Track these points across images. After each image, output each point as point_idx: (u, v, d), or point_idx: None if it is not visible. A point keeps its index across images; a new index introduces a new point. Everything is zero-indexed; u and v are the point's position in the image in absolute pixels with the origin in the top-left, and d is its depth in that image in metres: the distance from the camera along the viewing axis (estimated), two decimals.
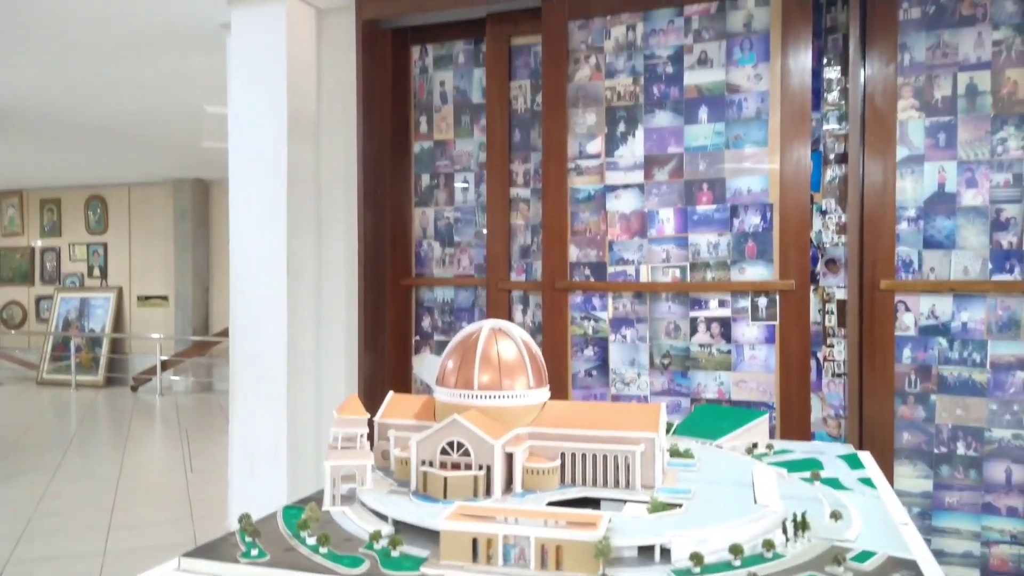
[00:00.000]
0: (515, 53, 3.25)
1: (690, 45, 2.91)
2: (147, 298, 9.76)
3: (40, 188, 10.32)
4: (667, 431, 1.48)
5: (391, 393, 1.25)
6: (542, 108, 3.08)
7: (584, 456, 1.09)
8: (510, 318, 3.23)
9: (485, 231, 3.28)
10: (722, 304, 2.88)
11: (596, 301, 3.05)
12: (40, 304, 10.39)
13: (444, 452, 1.05)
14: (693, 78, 2.90)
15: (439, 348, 3.43)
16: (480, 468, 1.03)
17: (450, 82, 3.43)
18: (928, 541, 2.60)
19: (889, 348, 2.67)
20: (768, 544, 0.89)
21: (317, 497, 1.07)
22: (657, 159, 2.95)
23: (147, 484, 5.15)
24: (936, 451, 2.62)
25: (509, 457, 1.06)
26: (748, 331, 2.84)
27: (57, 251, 10.34)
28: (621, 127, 3.00)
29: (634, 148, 2.98)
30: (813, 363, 2.80)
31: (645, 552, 0.88)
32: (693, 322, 2.91)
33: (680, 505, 0.99)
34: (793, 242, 2.76)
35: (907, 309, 2.67)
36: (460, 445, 1.04)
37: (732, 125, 2.85)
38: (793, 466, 1.25)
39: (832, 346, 2.81)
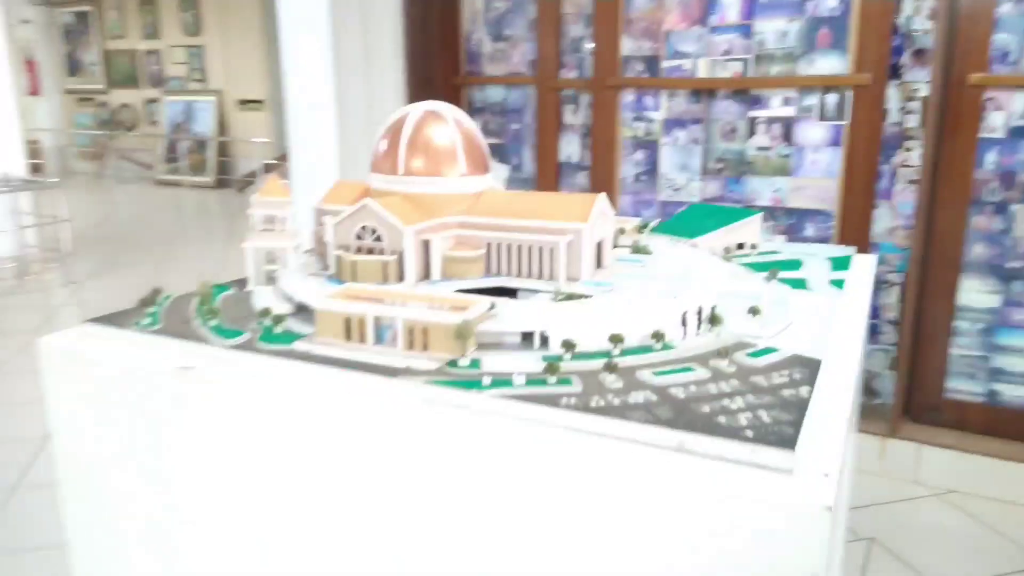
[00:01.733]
0: None
1: None
2: (245, 102, 9.96)
3: None
4: (644, 228, 1.39)
5: (336, 180, 1.21)
6: None
7: (510, 247, 1.03)
8: (560, 119, 3.08)
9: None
10: (786, 102, 2.61)
11: (649, 100, 2.84)
12: (149, 107, 10.83)
13: (358, 237, 1.01)
14: None
15: (492, 151, 3.33)
16: (392, 254, 1.00)
17: None
18: (986, 358, 2.45)
19: (969, 151, 2.37)
20: (657, 335, 0.82)
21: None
22: None
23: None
24: (1009, 266, 2.39)
25: (427, 245, 1.01)
26: (813, 132, 2.59)
27: (158, 53, 10.58)
28: None
29: None
30: (886, 168, 2.55)
31: (528, 339, 0.84)
32: (752, 123, 2.67)
33: (588, 296, 0.93)
34: (873, 28, 2.41)
35: (997, 108, 2.34)
36: (373, 230, 1.00)
37: None
38: (764, 267, 1.14)
39: (910, 150, 2.53)
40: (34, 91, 11.54)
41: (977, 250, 2.44)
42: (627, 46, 2.82)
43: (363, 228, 1.01)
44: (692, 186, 2.81)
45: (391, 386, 0.75)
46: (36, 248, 5.36)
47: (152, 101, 10.77)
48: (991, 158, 2.37)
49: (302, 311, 0.92)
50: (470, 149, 1.08)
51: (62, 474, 0.98)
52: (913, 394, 2.55)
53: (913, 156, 2.50)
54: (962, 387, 2.51)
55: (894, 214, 2.55)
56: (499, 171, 3.35)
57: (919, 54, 2.44)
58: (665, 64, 2.78)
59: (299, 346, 0.83)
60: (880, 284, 2.59)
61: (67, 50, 11.38)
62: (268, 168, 8.97)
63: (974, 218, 2.42)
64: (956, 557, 2.10)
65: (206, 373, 0.81)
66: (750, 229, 1.33)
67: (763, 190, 2.69)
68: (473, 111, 3.35)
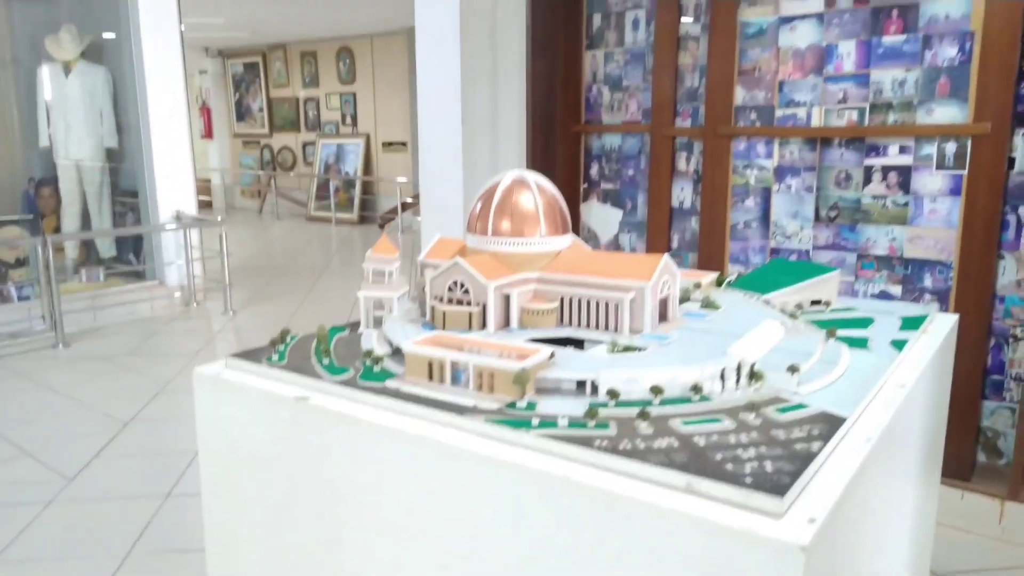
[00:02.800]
0: None
1: None
2: (389, 144, 10.65)
3: (299, 41, 11.40)
4: (720, 283, 1.47)
5: (438, 236, 1.39)
6: None
7: (580, 301, 1.15)
8: (673, 166, 3.17)
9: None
10: (903, 151, 2.58)
11: (761, 148, 2.88)
12: (305, 149, 11.79)
13: (450, 289, 1.18)
14: None
15: (606, 196, 3.47)
16: (477, 305, 1.15)
17: None
18: None
19: None
20: (696, 388, 0.92)
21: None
22: None
23: None
24: None
25: (507, 298, 1.16)
26: (931, 181, 2.54)
27: (316, 100, 11.52)
28: None
29: None
30: (1012, 219, 2.46)
31: (582, 386, 0.96)
32: (867, 171, 2.65)
33: (643, 349, 1.04)
34: (995, 77, 2.35)
35: None
36: (462, 284, 1.16)
37: None
38: (830, 324, 1.20)
39: None
40: (207, 135, 12.86)
41: None
42: (740, 95, 2.89)
43: (454, 282, 1.17)
44: (804, 233, 2.81)
45: (458, 422, 0.89)
46: (201, 278, 6.00)
47: (308, 144, 11.72)
48: None
49: (398, 353, 1.09)
50: (550, 213, 1.23)
51: (205, 486, 1.19)
52: None
53: None
54: None
55: (1020, 266, 2.45)
56: (613, 214, 3.47)
57: None
58: (778, 113, 2.81)
59: (391, 384, 1.00)
60: (1006, 339, 2.49)
61: (237, 98, 12.62)
62: (405, 206, 9.52)
63: None
64: None
65: (317, 403, 0.99)
66: (826, 286, 1.38)
67: (879, 239, 2.66)
68: (591, 157, 3.50)
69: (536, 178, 1.24)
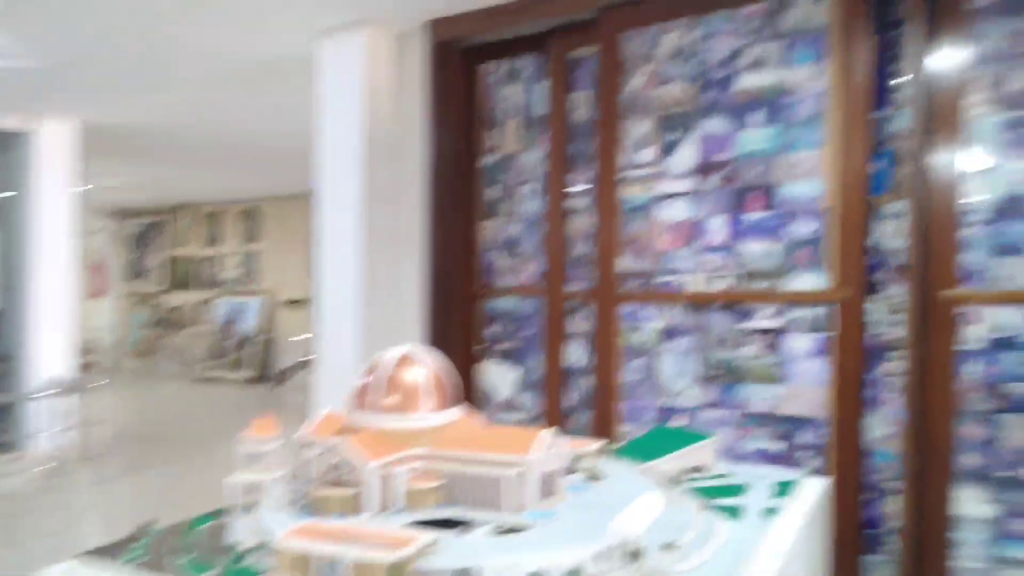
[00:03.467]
0: (576, 65, 3.29)
1: (744, 47, 2.82)
2: (290, 302, 10.57)
3: (205, 202, 11.45)
4: (605, 450, 1.49)
5: (325, 411, 1.37)
6: (597, 118, 3.10)
7: (465, 478, 1.14)
8: (567, 327, 3.27)
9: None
10: (774, 315, 2.77)
11: (648, 311, 3.03)
12: (202, 307, 11.53)
13: (331, 470, 1.15)
14: (747, 81, 2.82)
15: (504, 356, 3.52)
16: (358, 487, 1.12)
17: (517, 96, 3.51)
18: (988, 572, 2.39)
19: (949, 363, 2.47)
20: (574, 572, 0.91)
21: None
22: (708, 166, 2.89)
23: None
24: (1001, 475, 2.40)
25: (391, 478, 1.14)
26: (799, 343, 2.72)
27: (218, 259, 11.43)
28: (673, 135, 2.96)
29: (685, 156, 2.93)
30: (873, 377, 2.64)
31: (462, 573, 0.93)
32: (743, 333, 2.83)
33: (528, 527, 1.03)
34: (849, 250, 2.61)
35: (971, 321, 2.46)
36: (343, 465, 1.14)
37: (786, 128, 2.74)
38: (708, 492, 1.23)
39: (894, 359, 2.63)
40: (99, 293, 12.41)
41: (969, 458, 2.45)
42: (626, 262, 3.06)
43: (334, 463, 1.14)
44: (690, 392, 2.92)
45: None
46: (75, 448, 5.57)
47: (205, 301, 11.48)
48: (972, 368, 2.45)
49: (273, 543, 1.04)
50: (438, 387, 1.24)
51: None
52: None
53: (899, 366, 2.60)
54: None
55: (885, 422, 2.61)
56: (510, 375, 3.52)
57: (900, 270, 2.61)
58: (661, 279, 2.99)
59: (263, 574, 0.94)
60: (879, 492, 2.60)
61: (135, 255, 12.36)
62: (302, 364, 9.32)
63: (962, 427, 2.46)
64: None
65: None
66: (703, 452, 1.43)
67: (758, 397, 2.79)
68: (488, 319, 3.58)
69: (424, 351, 1.26)
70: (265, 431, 1.23)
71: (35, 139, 5.62)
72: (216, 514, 1.21)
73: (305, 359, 9.50)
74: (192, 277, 11.68)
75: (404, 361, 1.24)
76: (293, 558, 0.94)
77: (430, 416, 1.21)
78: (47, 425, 5.48)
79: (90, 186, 7.56)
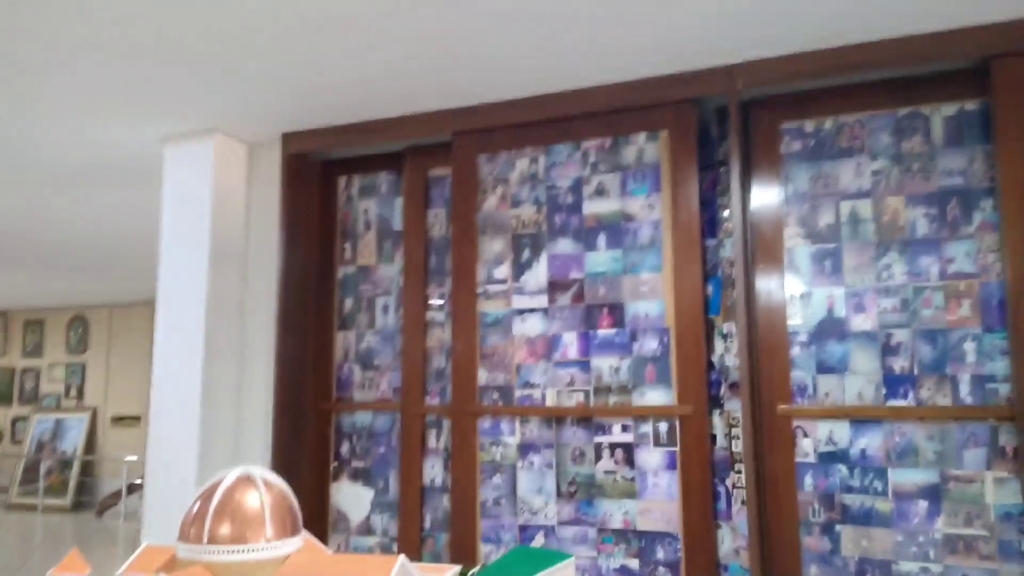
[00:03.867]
0: (432, 183, 3.37)
1: (587, 177, 3.01)
2: (121, 418, 9.70)
3: (25, 309, 10.49)
4: (468, 573, 1.43)
5: (144, 545, 1.23)
6: (452, 235, 3.16)
7: None
8: (424, 443, 3.20)
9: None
10: (625, 429, 2.84)
11: (504, 426, 3.02)
12: (16, 425, 10.34)
13: None
14: (592, 207, 2.99)
15: (357, 474, 3.37)
16: None
17: (373, 210, 3.54)
18: None
19: (789, 474, 2.61)
20: None
21: None
22: (560, 284, 3.00)
23: None
24: None
25: None
26: (651, 457, 2.79)
27: (37, 371, 10.39)
28: (526, 253, 3.07)
29: (538, 273, 3.04)
30: (722, 490, 2.74)
31: None
32: (598, 448, 2.87)
33: None
34: (690, 367, 2.75)
35: (805, 435, 2.63)
36: None
37: (629, 252, 2.91)
38: None
39: (740, 472, 2.75)
40: None
41: (814, 570, 2.56)
42: (483, 376, 3.07)
43: None
44: (549, 509, 2.90)
45: None
46: None
47: (20, 419, 10.31)
48: (808, 481, 2.61)
49: None
50: (278, 513, 1.15)
51: None
52: None
53: (742, 478, 2.71)
54: None
55: (735, 535, 2.69)
56: (364, 494, 3.35)
57: (734, 387, 2.77)
58: (517, 393, 3.01)
59: None
60: None
61: None
62: (131, 488, 8.49)
63: (806, 538, 2.58)
64: None
65: None
66: (562, 575, 1.40)
67: (614, 512, 2.81)
68: (341, 435, 3.43)
69: (264, 474, 1.18)
70: (74, 569, 1.09)
71: None
72: None
73: (135, 483, 8.66)
74: (5, 391, 10.51)
75: (242, 484, 1.15)
76: None
77: (271, 546, 1.12)
78: None
79: None
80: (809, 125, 2.78)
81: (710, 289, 2.83)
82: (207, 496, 1.14)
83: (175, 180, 3.51)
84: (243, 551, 1.10)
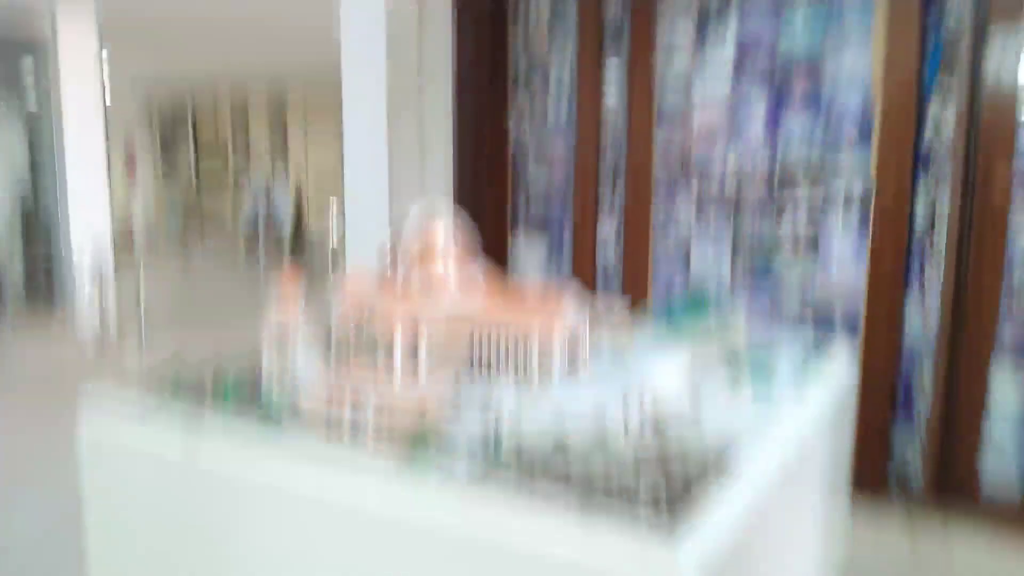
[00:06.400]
0: None
1: None
2: (321, 188, 10.57)
3: (230, 83, 11.29)
4: (633, 319, 1.48)
5: (351, 273, 1.36)
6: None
7: (490, 342, 1.14)
8: (598, 199, 3.22)
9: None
10: (811, 209, 2.69)
11: (681, 185, 2.96)
12: (236, 191, 11.60)
13: (360, 330, 1.15)
14: None
15: (534, 228, 3.48)
16: (387, 347, 1.12)
17: None
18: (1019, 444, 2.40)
19: (996, 264, 2.40)
20: (599, 431, 0.91)
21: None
22: (751, 46, 2.74)
23: None
24: None
25: (419, 339, 1.14)
26: (838, 239, 2.65)
27: (247, 144, 11.39)
28: (712, 25, 2.81)
29: (725, 48, 2.79)
30: (917, 272, 2.58)
31: (487, 432, 0.94)
32: (779, 227, 2.75)
33: (549, 392, 1.03)
34: (894, 143, 2.50)
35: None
36: (371, 325, 1.14)
37: (832, 15, 2.58)
38: (737, 358, 1.21)
39: (939, 251, 2.55)
40: (131, 175, 12.51)
41: (1010, 331, 2.42)
42: (662, 135, 2.97)
43: (364, 322, 1.14)
44: (723, 267, 2.88)
45: (358, 472, 0.86)
46: (117, 320, 5.76)
47: (237, 185, 11.53)
48: (1017, 275, 2.39)
49: (299, 397, 1.05)
50: (464, 250, 1.22)
51: (91, 544, 1.10)
52: (944, 481, 2.50)
53: (944, 240, 2.51)
54: (996, 477, 2.45)
55: (924, 307, 2.56)
56: (540, 247, 3.50)
57: (942, 159, 2.49)
58: (699, 153, 2.91)
59: (287, 438, 0.96)
60: (913, 365, 2.58)
61: (163, 138, 12.37)
62: (336, 252, 9.41)
63: (1005, 299, 2.41)
64: None
65: (207, 461, 0.94)
66: (732, 321, 1.41)
67: (792, 276, 2.74)
68: (518, 190, 3.53)
69: (447, 217, 1.24)
70: (292, 282, 1.23)
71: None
72: (249, 373, 1.23)
73: (338, 246, 9.60)
74: (222, 162, 11.69)
75: (428, 225, 1.22)
76: (321, 416, 0.95)
77: (456, 281, 1.20)
78: (90, 299, 5.64)
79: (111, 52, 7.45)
80: None
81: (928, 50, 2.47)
82: (399, 237, 1.22)
83: None
84: (432, 282, 1.19)
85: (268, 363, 1.19)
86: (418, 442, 0.88)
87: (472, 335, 1.15)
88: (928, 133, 2.50)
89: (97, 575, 1.09)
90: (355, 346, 1.14)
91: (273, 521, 0.88)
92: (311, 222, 10.60)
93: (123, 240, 10.16)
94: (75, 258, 5.63)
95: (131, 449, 1.00)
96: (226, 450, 0.95)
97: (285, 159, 10.94)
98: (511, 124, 3.51)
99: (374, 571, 0.80)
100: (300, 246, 10.56)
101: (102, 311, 5.58)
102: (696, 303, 1.45)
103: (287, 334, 1.19)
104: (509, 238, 3.56)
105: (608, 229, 3.21)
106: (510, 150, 3.52)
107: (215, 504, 0.93)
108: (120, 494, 1.05)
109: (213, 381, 1.13)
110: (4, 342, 5.14)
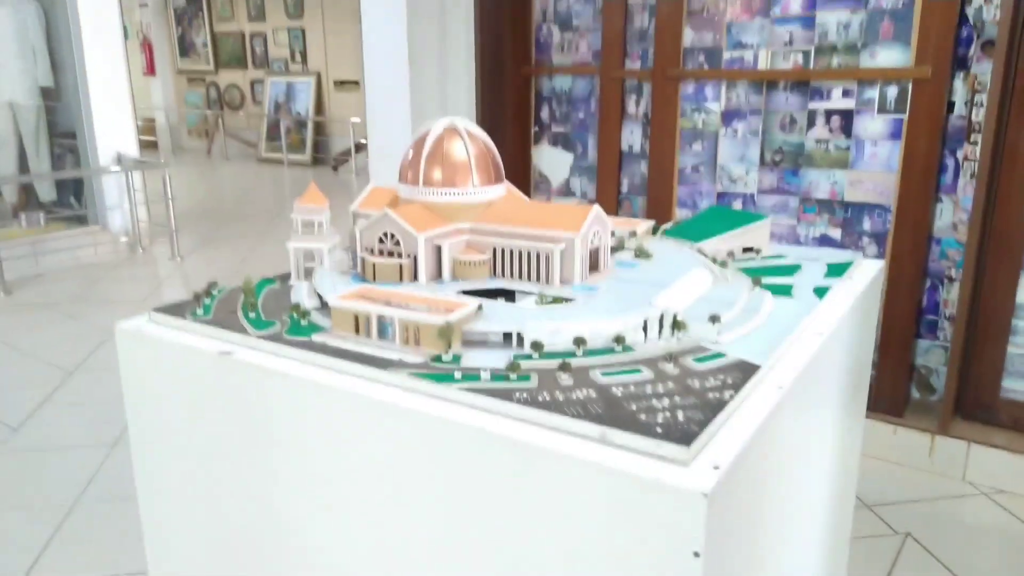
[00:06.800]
0: None
1: None
2: (341, 83, 10.36)
3: None
4: (655, 231, 1.47)
5: (371, 185, 1.36)
6: None
7: (512, 252, 1.15)
8: (623, 109, 3.15)
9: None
10: (846, 94, 2.60)
11: (709, 91, 2.87)
12: (254, 87, 11.41)
13: (380, 241, 1.16)
14: None
15: (557, 139, 3.44)
16: (408, 256, 1.14)
17: None
18: None
19: None
20: (619, 339, 0.93)
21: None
22: None
23: None
24: None
25: (439, 249, 1.15)
26: (872, 125, 2.57)
27: (264, 36, 11.11)
28: None
29: None
30: (950, 162, 2.51)
31: (508, 339, 0.97)
32: (811, 115, 2.67)
33: (571, 300, 1.05)
34: (937, 20, 2.37)
35: None
36: (392, 236, 1.15)
37: None
38: (759, 271, 1.22)
39: (976, 143, 2.48)
40: (150, 71, 12.35)
41: None
42: (689, 37, 2.86)
43: (384, 234, 1.16)
44: (750, 178, 2.84)
45: (382, 376, 0.89)
46: (146, 223, 5.84)
47: (257, 81, 11.34)
48: None
49: (327, 306, 1.08)
50: (483, 162, 1.21)
51: (133, 439, 1.18)
52: (967, 392, 2.52)
53: (977, 150, 2.45)
54: (1018, 387, 2.46)
55: (957, 208, 2.51)
56: (563, 158, 3.46)
57: (987, 46, 2.38)
58: (726, 55, 2.80)
59: (317, 338, 0.99)
60: (941, 280, 2.57)
61: (179, 32, 12.10)
62: (358, 148, 9.33)
63: None
64: (993, 556, 2.10)
65: (241, 358, 0.98)
66: (757, 233, 1.40)
67: (821, 183, 2.70)
68: (541, 100, 3.46)
69: (468, 126, 1.22)
70: (316, 202, 1.25)
71: None
72: (277, 279, 1.26)
73: (360, 142, 9.51)
74: (239, 56, 11.45)
75: (448, 134, 1.21)
76: (349, 317, 0.98)
77: (477, 191, 1.20)
78: (118, 200, 5.71)
79: None
80: None
81: None
82: (419, 145, 1.21)
83: None
84: (453, 194, 1.19)
85: (296, 267, 1.22)
86: (444, 338, 0.91)
87: (495, 243, 1.16)
88: (976, 7, 2.37)
89: (139, 458, 1.17)
90: (379, 255, 1.16)
91: (303, 411, 0.93)
92: (333, 112, 10.45)
93: (149, 140, 10.14)
94: (102, 163, 5.65)
95: (168, 344, 1.05)
96: (260, 344, 1.00)
97: (303, 47, 10.67)
98: (535, 23, 3.39)
99: (400, 461, 0.86)
100: (322, 139, 10.46)
101: (133, 215, 5.65)
102: (719, 217, 1.44)
103: (316, 244, 1.21)
104: (531, 149, 3.51)
105: (634, 136, 3.14)
106: (533, 53, 3.41)
107: (248, 395, 0.98)
108: (158, 389, 1.11)
109: (245, 285, 1.17)
110: (43, 251, 5.25)
